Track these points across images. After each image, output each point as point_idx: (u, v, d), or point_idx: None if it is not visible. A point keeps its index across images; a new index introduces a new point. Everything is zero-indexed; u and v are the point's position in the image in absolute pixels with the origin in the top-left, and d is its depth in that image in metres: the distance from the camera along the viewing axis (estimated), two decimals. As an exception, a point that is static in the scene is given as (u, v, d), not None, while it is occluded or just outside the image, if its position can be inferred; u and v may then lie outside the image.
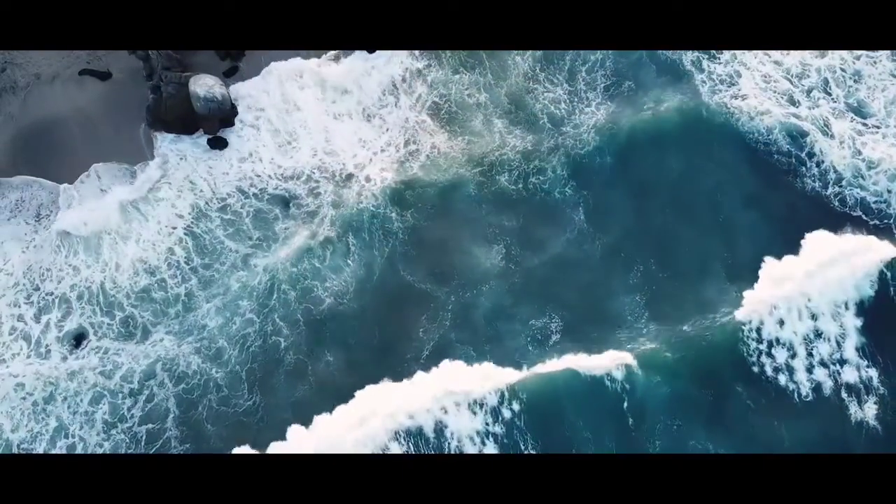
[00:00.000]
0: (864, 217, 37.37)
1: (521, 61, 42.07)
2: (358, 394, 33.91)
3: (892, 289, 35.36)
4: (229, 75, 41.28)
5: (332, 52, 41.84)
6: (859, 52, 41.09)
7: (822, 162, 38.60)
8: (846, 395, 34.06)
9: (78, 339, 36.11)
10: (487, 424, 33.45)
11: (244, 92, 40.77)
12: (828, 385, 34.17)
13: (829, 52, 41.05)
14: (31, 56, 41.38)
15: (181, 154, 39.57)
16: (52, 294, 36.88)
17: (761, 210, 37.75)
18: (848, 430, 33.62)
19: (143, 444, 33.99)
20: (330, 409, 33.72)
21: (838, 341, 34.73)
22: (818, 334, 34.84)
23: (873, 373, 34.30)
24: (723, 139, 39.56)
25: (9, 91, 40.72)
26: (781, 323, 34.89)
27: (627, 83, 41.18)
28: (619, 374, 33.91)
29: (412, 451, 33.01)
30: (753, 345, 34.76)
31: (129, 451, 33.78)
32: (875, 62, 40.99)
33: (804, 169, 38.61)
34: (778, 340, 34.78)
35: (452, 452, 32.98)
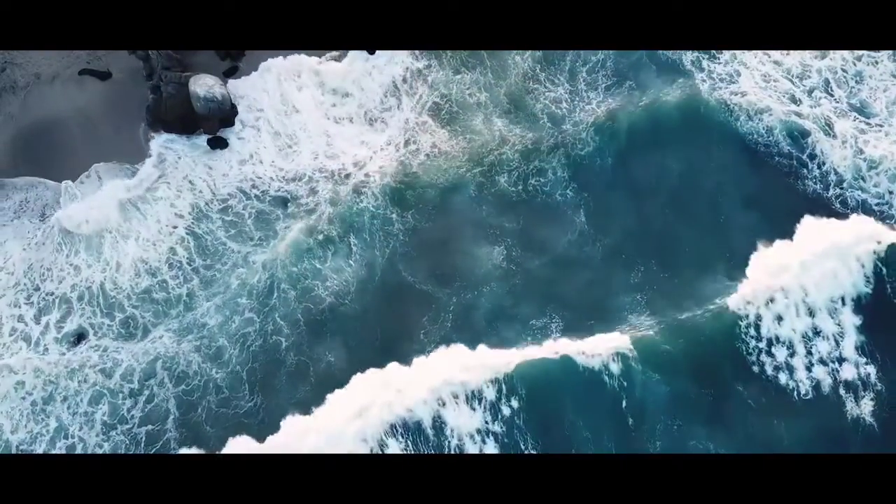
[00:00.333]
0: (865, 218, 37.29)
1: (521, 61, 42.06)
2: (354, 380, 33.95)
3: (888, 286, 35.56)
4: (229, 75, 41.24)
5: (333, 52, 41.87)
6: (860, 53, 41.09)
7: (824, 164, 38.60)
8: (844, 392, 34.20)
9: (78, 339, 36.06)
10: (487, 423, 33.47)
11: (241, 89, 40.63)
12: (826, 383, 34.29)
13: (830, 53, 41.06)
14: (31, 56, 41.32)
15: (180, 154, 39.54)
16: (52, 294, 36.86)
17: (762, 211, 37.72)
18: (846, 427, 33.75)
19: (142, 445, 33.90)
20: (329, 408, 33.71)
21: (836, 339, 34.85)
22: (817, 332, 34.94)
23: (871, 369, 34.48)
24: (723, 138, 39.58)
25: (9, 91, 40.68)
26: (780, 319, 34.99)
27: (628, 83, 41.18)
28: (616, 369, 33.94)
29: (411, 448, 33.02)
30: (753, 343, 34.87)
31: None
32: (876, 63, 41.00)
33: (805, 171, 38.62)
34: (777, 338, 34.88)
35: (452, 452, 32.99)
